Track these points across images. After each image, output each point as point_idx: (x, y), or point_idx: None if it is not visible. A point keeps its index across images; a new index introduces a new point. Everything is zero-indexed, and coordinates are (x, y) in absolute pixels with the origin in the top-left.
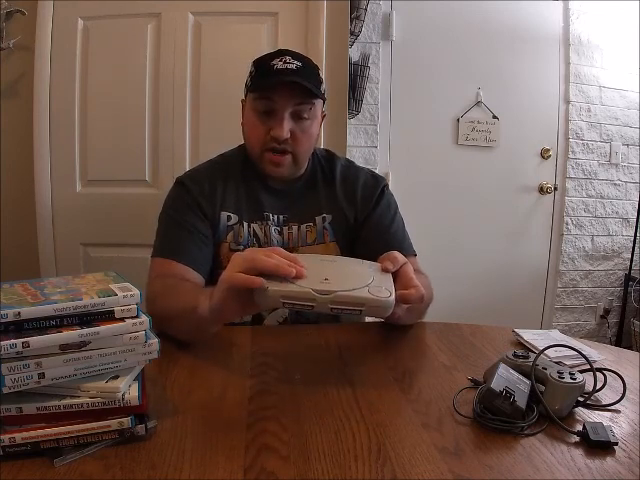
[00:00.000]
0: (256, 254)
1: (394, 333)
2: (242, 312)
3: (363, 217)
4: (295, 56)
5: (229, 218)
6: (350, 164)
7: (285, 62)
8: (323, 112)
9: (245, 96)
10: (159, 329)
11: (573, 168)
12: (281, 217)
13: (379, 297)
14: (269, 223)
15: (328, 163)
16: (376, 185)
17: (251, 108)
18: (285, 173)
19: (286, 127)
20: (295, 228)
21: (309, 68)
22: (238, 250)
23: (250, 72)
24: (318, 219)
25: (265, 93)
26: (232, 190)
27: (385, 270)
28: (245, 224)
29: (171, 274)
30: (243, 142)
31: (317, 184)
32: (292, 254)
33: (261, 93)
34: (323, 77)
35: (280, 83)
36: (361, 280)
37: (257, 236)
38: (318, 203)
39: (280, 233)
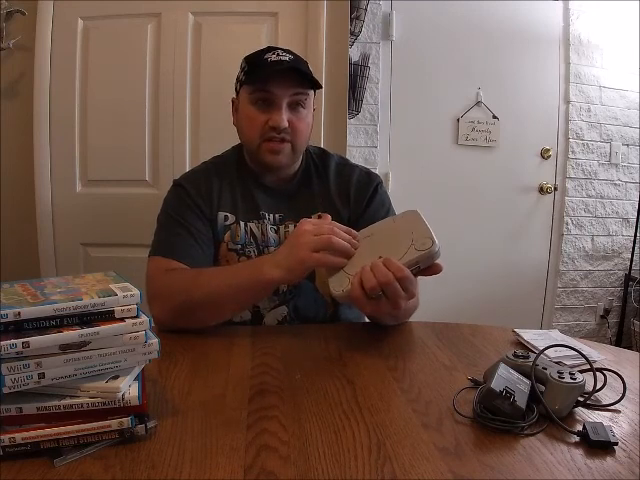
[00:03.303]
0: (330, 236)
1: (394, 333)
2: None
3: (356, 216)
4: (286, 50)
5: (226, 218)
6: (345, 162)
7: (278, 55)
8: (314, 106)
9: (237, 93)
10: (196, 316)
11: (573, 168)
12: (277, 216)
13: (424, 250)
14: (265, 222)
15: (321, 160)
16: (369, 183)
17: (247, 101)
18: (283, 162)
19: (284, 116)
20: (292, 227)
21: (301, 60)
22: (235, 250)
23: (242, 67)
24: (314, 218)
25: (262, 85)
26: (228, 190)
27: None
28: (242, 223)
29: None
30: (238, 143)
31: (311, 182)
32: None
33: (258, 85)
34: (323, 77)
35: (276, 72)
36: (406, 241)
37: (254, 235)
38: (313, 201)
39: (277, 232)
